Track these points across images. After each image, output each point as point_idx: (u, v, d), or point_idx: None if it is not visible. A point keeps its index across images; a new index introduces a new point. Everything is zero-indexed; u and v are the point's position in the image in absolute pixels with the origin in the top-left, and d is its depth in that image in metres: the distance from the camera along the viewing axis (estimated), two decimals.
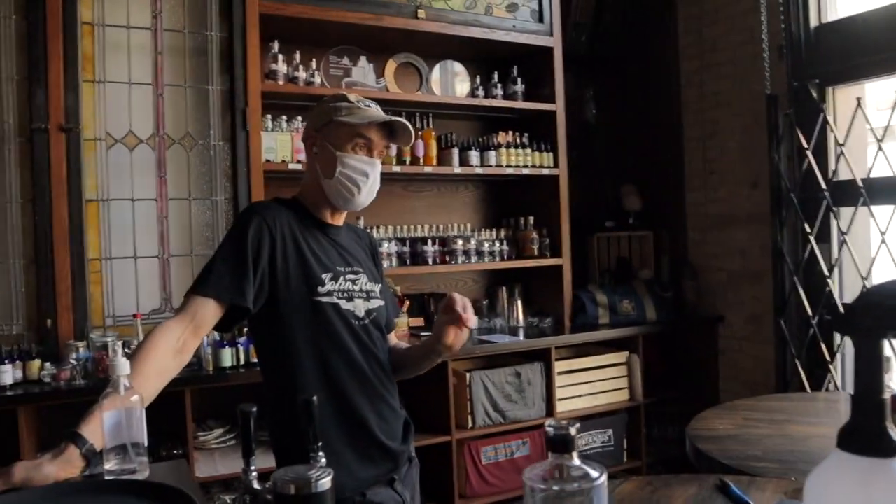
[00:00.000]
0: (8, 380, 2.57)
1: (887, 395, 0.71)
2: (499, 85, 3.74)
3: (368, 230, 3.32)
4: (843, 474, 0.72)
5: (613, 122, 4.32)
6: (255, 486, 1.17)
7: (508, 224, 3.90)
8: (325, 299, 1.70)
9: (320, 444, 1.27)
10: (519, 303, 3.79)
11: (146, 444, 1.33)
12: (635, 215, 4.11)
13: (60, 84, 2.77)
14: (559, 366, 3.54)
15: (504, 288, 3.88)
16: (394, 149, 3.36)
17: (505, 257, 3.74)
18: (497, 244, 3.70)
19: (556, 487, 0.85)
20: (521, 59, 3.82)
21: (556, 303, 3.82)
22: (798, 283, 3.37)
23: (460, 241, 3.56)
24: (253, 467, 1.24)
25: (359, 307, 1.76)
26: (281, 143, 3.13)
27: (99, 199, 2.87)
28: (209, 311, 1.58)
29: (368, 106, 1.73)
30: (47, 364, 2.64)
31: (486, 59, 3.88)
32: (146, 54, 2.95)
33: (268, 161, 3.09)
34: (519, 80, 3.76)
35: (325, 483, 1.04)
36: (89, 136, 2.85)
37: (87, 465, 1.28)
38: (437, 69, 3.76)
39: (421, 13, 3.40)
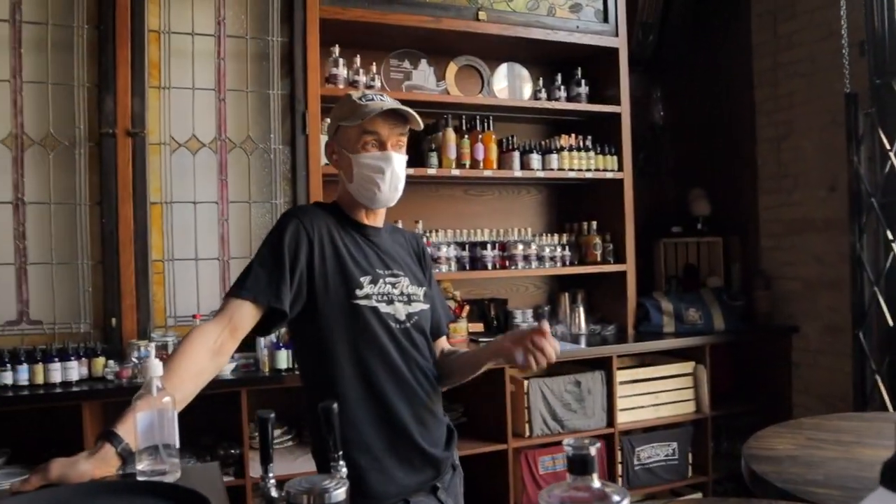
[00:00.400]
0: (74, 376, 2.65)
1: None
2: (562, 87, 3.66)
3: (425, 234, 3.32)
4: None
5: (681, 123, 4.19)
6: (273, 493, 1.15)
7: (571, 229, 3.81)
8: (363, 302, 1.68)
9: (341, 452, 1.24)
10: (581, 309, 3.70)
11: (178, 446, 1.33)
12: (704, 220, 3.96)
13: (128, 90, 2.84)
14: (621, 375, 3.44)
15: (566, 294, 3.79)
16: (453, 152, 3.34)
17: (567, 263, 3.65)
18: (558, 249, 3.62)
19: None
20: (585, 61, 3.74)
21: (619, 310, 3.71)
22: (879, 292, 3.18)
23: (521, 246, 3.49)
24: (271, 474, 1.23)
25: (399, 311, 1.73)
26: None
27: (162, 201, 2.93)
28: (246, 313, 1.58)
29: (371, 100, 1.69)
30: (111, 362, 2.71)
31: (549, 60, 3.81)
32: (209, 60, 3.01)
33: (326, 164, 3.10)
34: (583, 81, 3.67)
35: (340, 494, 1.00)
36: (154, 140, 2.92)
37: (123, 463, 1.28)
38: (498, 71, 3.71)
39: (482, 15, 3.36)
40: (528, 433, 3.24)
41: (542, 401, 3.26)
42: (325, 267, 1.67)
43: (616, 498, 0.75)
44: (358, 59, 3.27)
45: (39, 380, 2.60)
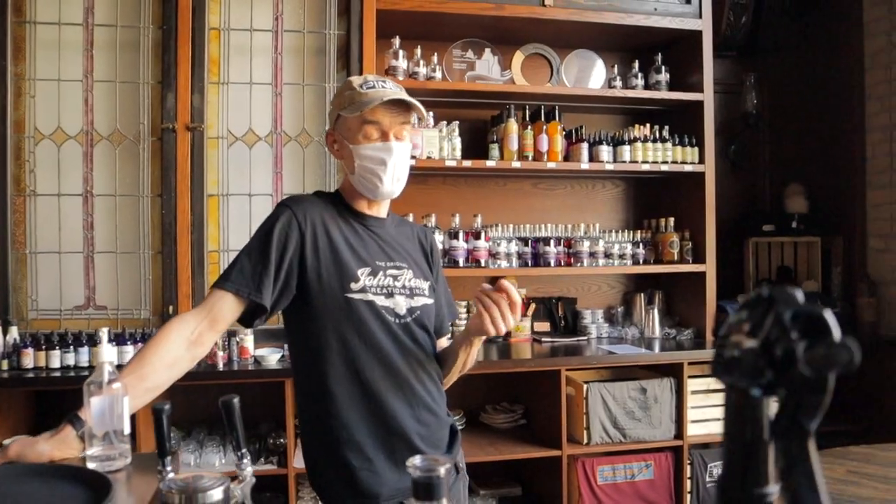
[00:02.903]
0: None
1: None
2: (639, 74, 3.43)
3: (485, 229, 3.22)
4: None
5: (779, 113, 3.82)
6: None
7: (648, 226, 3.58)
8: (357, 296, 1.60)
9: (244, 450, 1.19)
10: (655, 312, 3.47)
11: (127, 433, 1.34)
12: (800, 218, 3.59)
13: (188, 86, 2.94)
14: (693, 384, 3.18)
15: (641, 295, 3.57)
16: (515, 143, 3.21)
17: (640, 261, 3.43)
18: (629, 247, 3.40)
19: None
20: (666, 46, 3.48)
21: (697, 314, 3.44)
22: None
23: (587, 243, 3.31)
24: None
25: (400, 304, 1.64)
26: None
27: (219, 194, 3.02)
28: (227, 305, 1.55)
29: (372, 86, 1.60)
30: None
31: (625, 47, 3.59)
32: (267, 55, 3.06)
33: None
34: (663, 68, 3.42)
35: (215, 495, 0.95)
36: (212, 134, 3.01)
37: (84, 447, 1.30)
38: (569, 59, 3.54)
39: (548, 0, 3.20)
40: (586, 440, 3.07)
41: (602, 406, 3.07)
42: (318, 259, 1.61)
43: None
44: (419, 50, 3.22)
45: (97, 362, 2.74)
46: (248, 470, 1.20)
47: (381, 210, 1.74)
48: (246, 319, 1.61)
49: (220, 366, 2.80)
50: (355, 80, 1.65)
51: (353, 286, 1.59)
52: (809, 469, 0.40)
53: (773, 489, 0.47)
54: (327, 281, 1.59)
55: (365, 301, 1.60)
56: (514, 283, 3.40)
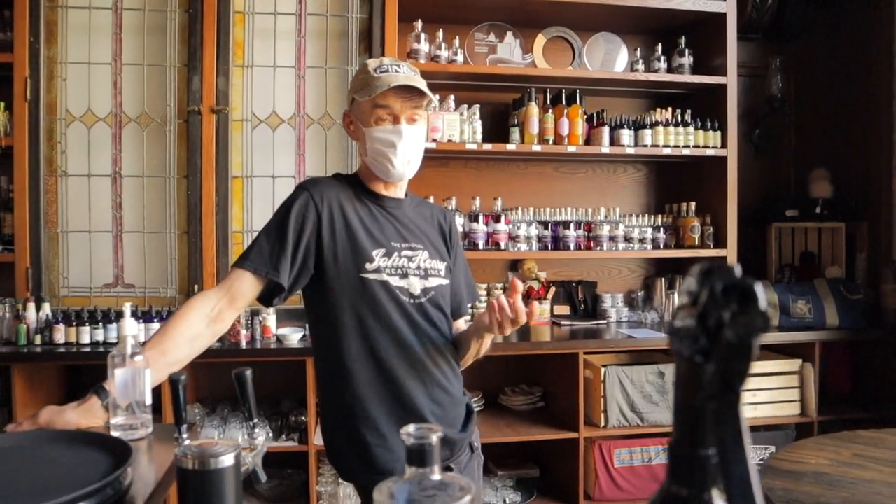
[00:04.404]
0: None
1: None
2: (662, 58, 3.41)
3: (505, 212, 3.24)
4: None
5: (806, 97, 3.77)
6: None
7: (670, 210, 3.57)
8: (372, 276, 1.64)
9: (255, 421, 1.23)
10: (675, 296, 3.47)
11: (149, 403, 1.39)
12: (824, 204, 3.55)
13: (213, 69, 3.00)
14: None
15: (662, 280, 3.57)
16: (535, 126, 3.22)
17: (661, 246, 3.42)
18: (649, 231, 3.40)
19: None
20: (690, 28, 3.46)
21: None
22: None
23: (607, 227, 3.32)
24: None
25: (414, 285, 1.68)
26: None
27: (243, 175, 3.07)
28: (246, 283, 1.61)
29: (386, 71, 1.63)
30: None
31: (648, 29, 3.57)
32: (291, 38, 3.10)
33: None
34: (686, 51, 3.40)
35: (226, 460, 0.99)
36: (237, 117, 3.06)
37: (109, 416, 1.36)
38: (591, 42, 3.52)
39: None
40: (603, 423, 3.10)
41: (619, 390, 3.09)
42: (335, 240, 1.65)
43: (459, 491, 0.69)
44: (441, 34, 3.23)
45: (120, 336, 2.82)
46: (260, 439, 1.25)
47: (397, 191, 1.77)
48: (265, 298, 1.66)
49: (244, 344, 2.86)
50: (371, 63, 1.68)
51: (368, 266, 1.64)
52: (738, 429, 0.42)
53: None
54: (343, 261, 1.64)
55: (379, 281, 1.64)
56: (534, 267, 3.44)
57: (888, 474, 1.49)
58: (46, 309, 2.84)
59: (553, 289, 3.53)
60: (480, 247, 3.19)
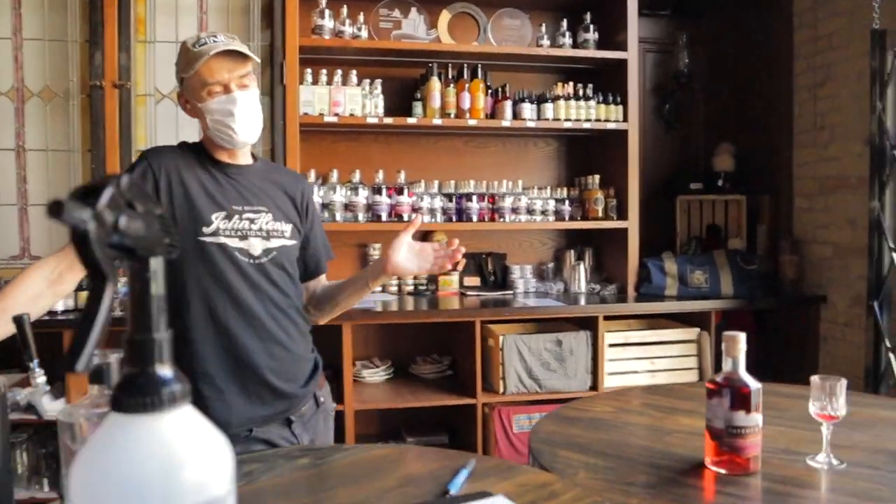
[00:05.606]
0: (59, 306, 2.93)
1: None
2: (567, 33, 3.47)
3: (410, 185, 3.31)
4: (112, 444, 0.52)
5: (713, 73, 3.84)
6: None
7: (579, 184, 3.64)
8: (209, 239, 1.72)
9: (36, 360, 1.31)
10: (581, 268, 3.55)
11: None
12: (726, 177, 3.63)
13: (115, 45, 3.05)
14: (612, 338, 3.28)
15: (571, 252, 3.65)
16: (437, 101, 3.29)
17: (566, 217, 3.50)
18: (552, 203, 3.47)
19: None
20: (595, 5, 3.52)
21: (621, 270, 3.52)
22: None
23: (509, 199, 3.39)
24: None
25: (254, 246, 1.76)
26: (319, 97, 3.20)
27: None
28: None
29: (204, 44, 1.68)
30: None
31: (555, 6, 3.63)
32: (192, 14, 3.16)
33: (305, 114, 3.18)
34: (591, 27, 3.46)
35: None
36: (140, 91, 3.12)
37: None
38: (495, 18, 3.58)
39: None
40: (502, 389, 3.19)
41: (518, 357, 3.18)
42: (173, 205, 1.72)
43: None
44: (345, 9, 3.29)
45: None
46: (41, 380, 1.33)
47: (242, 157, 1.84)
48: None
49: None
50: (189, 40, 1.74)
51: (205, 230, 1.71)
52: (96, 307, 0.50)
53: (164, 335, 0.58)
54: (181, 226, 1.71)
55: (217, 244, 1.72)
56: (443, 239, 3.53)
57: (658, 419, 1.57)
58: None
59: (463, 260, 3.60)
60: (383, 218, 3.26)
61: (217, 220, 1.73)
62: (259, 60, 1.73)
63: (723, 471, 1.26)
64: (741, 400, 1.25)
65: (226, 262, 1.72)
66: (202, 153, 1.82)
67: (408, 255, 1.83)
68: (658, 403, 1.70)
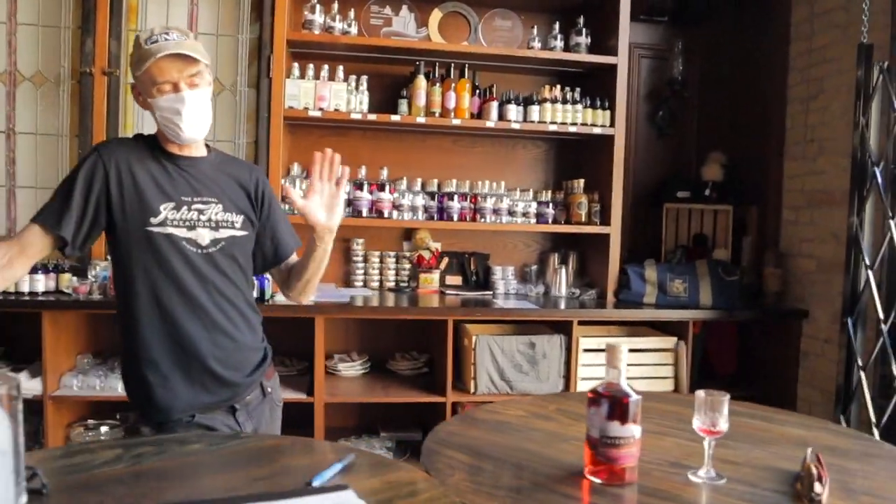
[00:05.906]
0: (40, 287, 3.00)
1: None
2: (559, 36, 3.46)
3: (391, 183, 3.33)
4: None
5: (708, 81, 3.80)
6: None
7: (566, 187, 3.63)
8: (157, 229, 1.76)
9: None
10: (563, 272, 3.54)
11: None
12: (714, 186, 3.59)
13: (106, 32, 3.11)
14: (587, 343, 3.27)
15: (555, 255, 3.65)
16: (422, 99, 3.30)
17: (549, 221, 3.49)
18: (534, 205, 3.47)
19: None
20: (589, 9, 3.50)
21: (603, 275, 3.50)
22: (871, 276, 2.76)
23: (491, 200, 3.40)
24: None
25: (202, 236, 1.79)
26: (304, 91, 3.23)
27: None
28: (35, 235, 1.74)
29: (155, 41, 1.71)
30: (74, 278, 3.04)
31: (548, 8, 3.62)
32: (183, 5, 3.20)
33: (290, 108, 3.21)
34: (584, 31, 3.44)
35: None
36: (129, 80, 3.16)
37: None
38: (487, 19, 3.58)
39: None
40: (473, 389, 3.20)
41: (490, 358, 3.18)
42: (123, 196, 1.77)
43: None
44: (336, 5, 3.31)
45: (11, 288, 2.97)
46: None
47: (193, 150, 1.87)
48: (63, 249, 1.79)
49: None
50: (142, 35, 1.75)
51: (153, 220, 1.75)
52: None
53: None
54: (130, 216, 1.76)
55: (164, 234, 1.76)
56: (426, 237, 3.57)
57: (566, 426, 1.58)
58: None
59: (445, 259, 3.63)
60: (364, 214, 3.28)
61: (165, 210, 1.76)
62: (208, 63, 1.75)
63: (599, 480, 1.27)
64: (618, 410, 1.25)
65: (173, 252, 1.76)
66: (155, 145, 1.85)
67: (318, 204, 1.87)
68: (573, 410, 1.71)
